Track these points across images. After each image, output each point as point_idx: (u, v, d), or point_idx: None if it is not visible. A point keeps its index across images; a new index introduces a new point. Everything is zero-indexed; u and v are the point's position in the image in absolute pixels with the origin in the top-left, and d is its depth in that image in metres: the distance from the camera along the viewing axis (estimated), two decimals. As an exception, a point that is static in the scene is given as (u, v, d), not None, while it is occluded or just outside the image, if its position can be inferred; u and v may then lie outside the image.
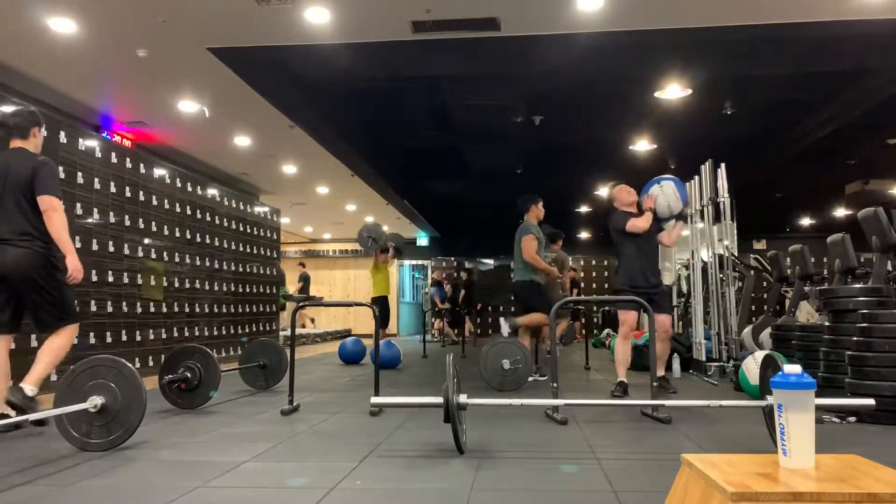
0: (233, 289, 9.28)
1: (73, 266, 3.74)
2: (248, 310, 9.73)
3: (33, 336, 5.34)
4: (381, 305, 8.14)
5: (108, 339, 6.40)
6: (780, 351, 5.52)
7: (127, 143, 8.00)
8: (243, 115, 7.72)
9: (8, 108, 4.22)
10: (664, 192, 5.17)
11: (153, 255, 7.31)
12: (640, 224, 5.07)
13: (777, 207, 14.16)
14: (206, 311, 8.47)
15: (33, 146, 3.91)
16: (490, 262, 18.31)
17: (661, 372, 5.21)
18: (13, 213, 3.68)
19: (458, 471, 2.79)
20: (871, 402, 3.08)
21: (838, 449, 2.10)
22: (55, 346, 3.78)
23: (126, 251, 6.83)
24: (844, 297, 4.54)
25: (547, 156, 10.03)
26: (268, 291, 10.55)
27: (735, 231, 6.91)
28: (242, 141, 8.77)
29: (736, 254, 6.91)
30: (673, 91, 7.23)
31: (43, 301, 3.74)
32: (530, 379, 5.81)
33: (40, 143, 4.00)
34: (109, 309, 6.45)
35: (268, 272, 10.55)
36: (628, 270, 5.15)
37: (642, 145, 9.40)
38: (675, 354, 6.57)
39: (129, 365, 3.29)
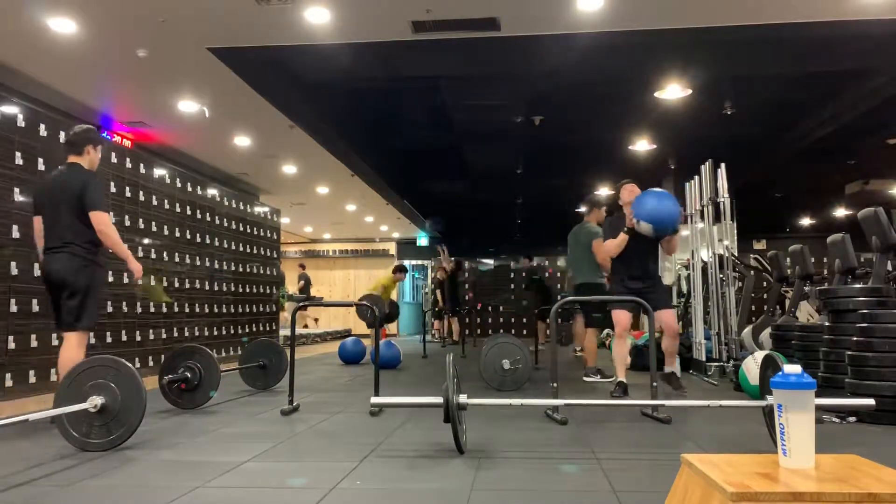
0: (233, 289, 9.27)
1: (134, 267, 4.12)
2: (248, 310, 9.73)
3: (33, 336, 5.35)
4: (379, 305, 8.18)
5: (108, 339, 6.40)
6: (780, 351, 5.52)
7: (127, 143, 8.00)
8: (243, 115, 7.72)
9: (75, 125, 4.44)
10: (641, 230, 4.79)
11: (153, 256, 7.31)
12: (601, 252, 5.02)
13: (777, 207, 14.14)
14: (206, 311, 8.46)
15: (88, 162, 4.14)
16: (490, 261, 18.26)
17: (670, 368, 5.12)
18: (65, 224, 3.95)
19: (458, 471, 2.79)
20: (871, 402, 3.08)
21: (838, 449, 2.11)
22: (66, 358, 3.88)
23: (126, 251, 6.82)
24: (844, 297, 4.54)
25: (547, 156, 10.02)
26: (268, 291, 10.55)
27: (735, 231, 6.90)
28: (242, 141, 8.77)
29: (736, 254, 6.91)
30: (673, 91, 7.23)
31: (69, 300, 3.92)
32: (587, 380, 6.11)
33: (96, 160, 4.22)
34: (109, 309, 6.44)
35: (268, 272, 10.55)
36: (614, 270, 5.18)
37: (642, 145, 9.39)
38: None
39: (129, 365, 3.29)
